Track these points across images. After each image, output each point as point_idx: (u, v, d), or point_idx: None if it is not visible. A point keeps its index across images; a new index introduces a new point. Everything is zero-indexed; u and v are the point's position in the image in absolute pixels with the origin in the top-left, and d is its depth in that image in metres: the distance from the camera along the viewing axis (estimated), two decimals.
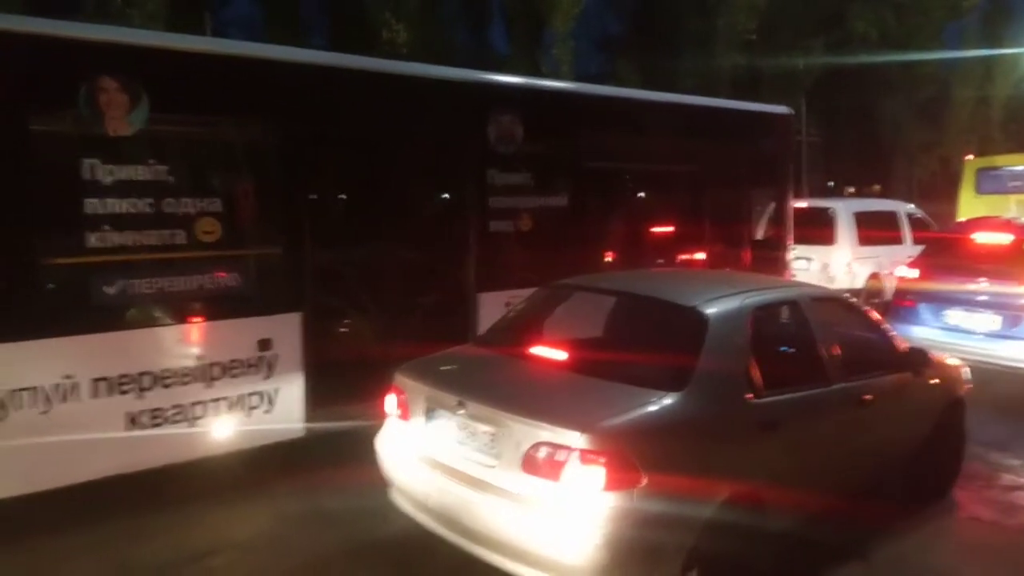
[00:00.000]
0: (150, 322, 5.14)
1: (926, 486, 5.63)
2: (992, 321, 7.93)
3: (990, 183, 15.44)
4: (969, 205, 15.35)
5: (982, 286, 8.08)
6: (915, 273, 8.82)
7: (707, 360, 4.03)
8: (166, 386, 5.10)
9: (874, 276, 12.75)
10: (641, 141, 8.10)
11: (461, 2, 30.43)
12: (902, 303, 8.82)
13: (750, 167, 9.35)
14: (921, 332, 8.14)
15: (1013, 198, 14.61)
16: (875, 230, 12.86)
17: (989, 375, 7.67)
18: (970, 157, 17.62)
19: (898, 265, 10.36)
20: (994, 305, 7.92)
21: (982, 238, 8.47)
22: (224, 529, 5.00)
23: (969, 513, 5.53)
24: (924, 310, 8.47)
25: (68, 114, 4.76)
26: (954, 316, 8.22)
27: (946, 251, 8.87)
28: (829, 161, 40.57)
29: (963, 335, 8.05)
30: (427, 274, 6.64)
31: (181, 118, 5.30)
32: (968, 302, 8.12)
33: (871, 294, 12.66)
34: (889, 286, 12.01)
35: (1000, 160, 16.52)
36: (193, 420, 5.24)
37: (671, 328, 4.57)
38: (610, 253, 8.16)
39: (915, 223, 13.55)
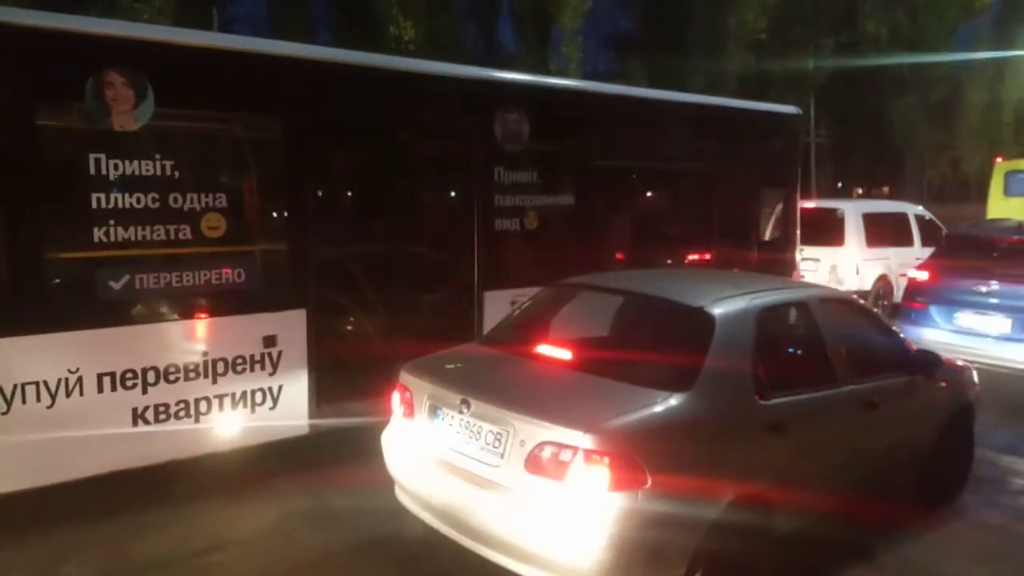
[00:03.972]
0: (155, 318, 5.15)
1: (935, 489, 5.58)
2: (1003, 324, 7.86)
3: (1019, 186, 15.34)
4: (997, 207, 15.27)
5: (993, 288, 8.01)
6: (925, 275, 8.75)
7: (714, 361, 3.99)
8: (171, 382, 5.10)
9: (883, 278, 12.66)
10: (648, 140, 8.06)
11: None
12: (912, 305, 8.76)
13: (757, 167, 9.30)
14: (931, 334, 8.10)
15: None
16: (884, 232, 12.77)
17: (999, 378, 7.63)
18: (1000, 160, 17.46)
19: (907, 267, 10.29)
20: (1005, 308, 7.86)
21: (994, 240, 8.39)
22: (227, 526, 4.99)
23: (978, 517, 5.47)
24: (934, 312, 8.41)
25: (74, 109, 4.75)
26: (964, 318, 8.16)
27: (957, 253, 8.79)
28: (838, 162, 40.41)
29: (974, 338, 7.99)
30: (432, 272, 6.62)
31: (187, 114, 5.28)
32: (979, 305, 8.06)
33: (880, 296, 12.59)
34: (898, 288, 11.96)
35: None
36: (197, 416, 5.23)
37: (678, 328, 4.54)
38: (617, 252, 8.12)
39: (924, 225, 13.45)
